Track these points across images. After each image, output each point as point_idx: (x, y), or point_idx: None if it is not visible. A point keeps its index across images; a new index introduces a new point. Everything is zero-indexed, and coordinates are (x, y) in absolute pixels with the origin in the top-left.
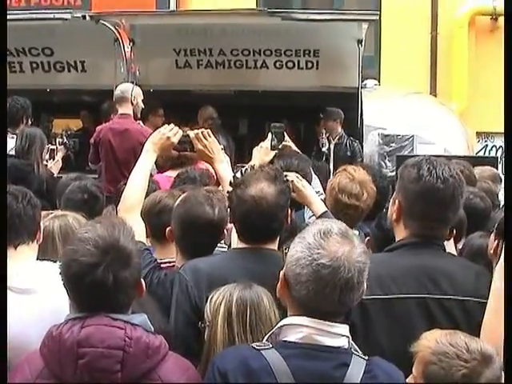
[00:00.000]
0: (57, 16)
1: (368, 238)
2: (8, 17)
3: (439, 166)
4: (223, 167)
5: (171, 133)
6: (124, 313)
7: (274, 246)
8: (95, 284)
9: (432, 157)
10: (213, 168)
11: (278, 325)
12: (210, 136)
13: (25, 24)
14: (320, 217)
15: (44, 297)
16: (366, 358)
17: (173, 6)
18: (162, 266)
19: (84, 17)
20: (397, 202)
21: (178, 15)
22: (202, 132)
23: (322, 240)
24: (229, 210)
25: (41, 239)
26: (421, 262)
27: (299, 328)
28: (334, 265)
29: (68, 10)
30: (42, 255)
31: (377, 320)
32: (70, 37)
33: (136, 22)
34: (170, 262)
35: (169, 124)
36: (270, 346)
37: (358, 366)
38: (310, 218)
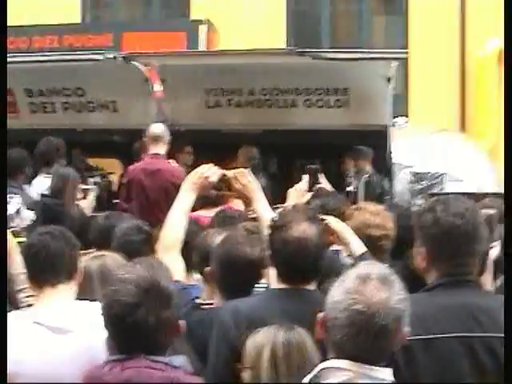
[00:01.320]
0: (89, 57)
1: None
2: (41, 58)
3: (452, 204)
4: (262, 206)
5: (210, 172)
6: (163, 354)
7: (313, 286)
8: (136, 324)
9: (442, 196)
10: (247, 208)
11: (319, 367)
12: (247, 175)
13: (57, 65)
14: (359, 257)
15: (79, 336)
16: None
17: (202, 46)
18: (202, 306)
19: (115, 57)
20: (422, 250)
21: (208, 55)
22: (240, 172)
23: (360, 285)
24: (270, 251)
25: (80, 279)
26: (460, 301)
27: (341, 371)
28: (369, 311)
29: (100, 51)
30: (80, 295)
31: (420, 360)
32: (101, 77)
33: (166, 62)
34: (211, 303)
35: (201, 164)
36: None
37: None
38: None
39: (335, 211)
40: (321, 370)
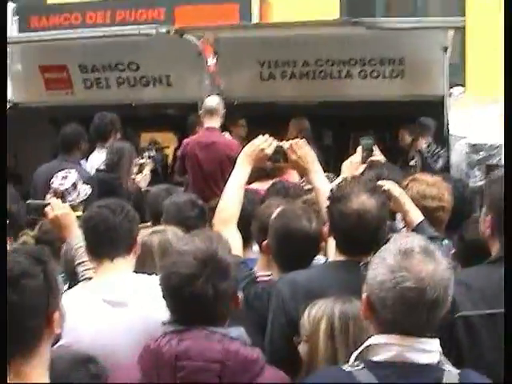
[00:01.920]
0: (142, 31)
1: (453, 250)
2: (94, 34)
3: None
4: (318, 178)
5: (265, 144)
6: (221, 326)
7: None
8: (195, 296)
9: None
10: (307, 179)
11: (366, 344)
12: (304, 146)
13: (111, 40)
14: (418, 226)
15: (136, 309)
16: (458, 371)
17: (256, 18)
18: (259, 279)
19: (168, 31)
20: (488, 217)
21: (262, 27)
22: (296, 143)
23: (404, 261)
24: (329, 223)
25: (138, 252)
26: None
27: (389, 346)
28: (420, 287)
29: (152, 25)
30: (141, 269)
31: (483, 335)
32: (154, 51)
33: (220, 35)
34: (267, 276)
35: (255, 137)
36: (361, 366)
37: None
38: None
39: None
40: (368, 346)
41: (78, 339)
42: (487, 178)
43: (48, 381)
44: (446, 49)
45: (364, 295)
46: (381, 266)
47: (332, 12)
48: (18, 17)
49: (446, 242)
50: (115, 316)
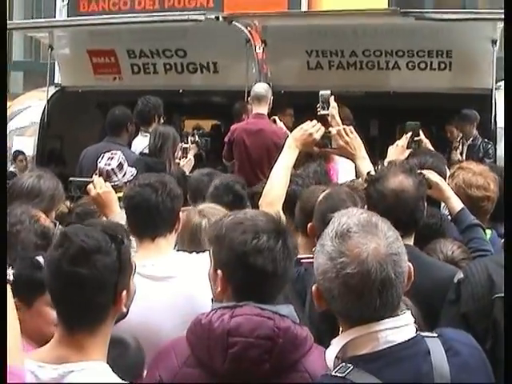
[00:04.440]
0: (190, 17)
1: (503, 240)
2: (142, 19)
3: None
4: (365, 164)
5: (314, 129)
6: (271, 303)
7: (411, 240)
8: (256, 270)
9: None
10: (355, 164)
11: (340, 344)
12: (352, 133)
13: (159, 26)
14: (458, 213)
15: (179, 283)
16: (435, 334)
17: (304, 7)
18: (302, 261)
19: (217, 18)
20: None
21: (310, 16)
22: (344, 128)
23: (341, 244)
24: (367, 204)
25: (179, 229)
26: None
27: (362, 338)
28: (362, 270)
29: (201, 12)
30: (187, 247)
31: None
32: (202, 38)
33: (268, 23)
34: (310, 258)
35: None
36: (350, 366)
37: (437, 349)
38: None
39: (435, 169)
40: (344, 345)
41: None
42: None
43: (106, 359)
44: (494, 41)
45: (314, 288)
46: (320, 255)
47: (381, 2)
48: (67, 1)
49: (489, 232)
50: (159, 291)
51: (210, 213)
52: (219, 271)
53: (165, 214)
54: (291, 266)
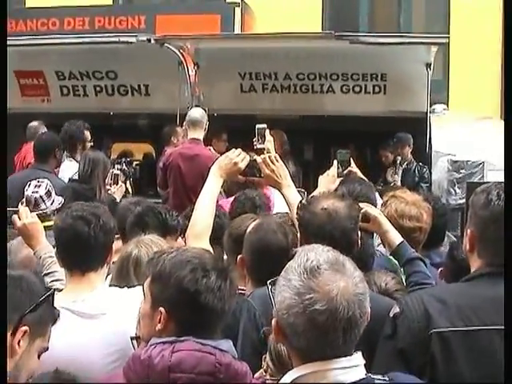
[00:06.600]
0: (121, 39)
1: (441, 269)
2: (72, 40)
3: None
4: (291, 192)
5: (239, 158)
6: (211, 338)
7: None
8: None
9: (502, 182)
10: (281, 193)
11: (290, 379)
12: (277, 161)
13: (89, 47)
14: (397, 247)
15: (110, 321)
16: (387, 378)
17: (237, 29)
18: None
19: (149, 40)
20: (469, 231)
21: (243, 38)
22: (269, 157)
23: (311, 280)
24: (299, 228)
25: (111, 261)
26: (501, 293)
27: (315, 374)
28: (331, 308)
29: (132, 34)
30: (123, 280)
31: (458, 352)
32: (134, 60)
33: (200, 45)
34: (242, 290)
35: (233, 149)
36: None
37: None
38: (378, 245)
39: (362, 198)
40: (295, 379)
41: (50, 354)
42: (472, 194)
43: None
44: (429, 65)
45: (273, 320)
46: (286, 289)
47: (315, 25)
48: None
49: (428, 262)
50: (90, 328)
51: (149, 244)
52: (161, 308)
53: (97, 248)
54: (234, 301)
